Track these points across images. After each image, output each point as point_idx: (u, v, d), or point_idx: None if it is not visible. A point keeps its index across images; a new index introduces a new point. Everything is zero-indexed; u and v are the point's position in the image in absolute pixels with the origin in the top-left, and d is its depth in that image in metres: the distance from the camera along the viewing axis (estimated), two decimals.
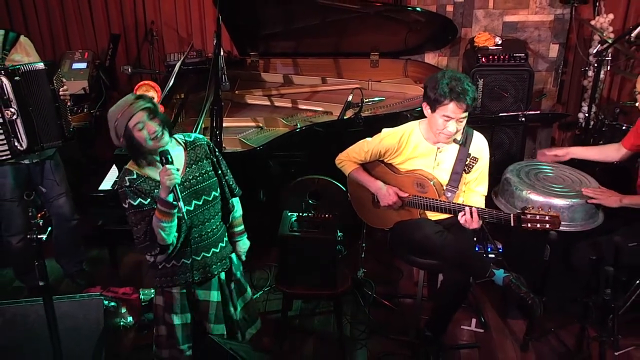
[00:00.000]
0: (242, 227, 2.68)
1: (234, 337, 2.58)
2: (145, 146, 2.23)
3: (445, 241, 2.78)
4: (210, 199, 2.40)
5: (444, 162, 2.89)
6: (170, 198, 2.19)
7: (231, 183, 2.57)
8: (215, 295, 2.48)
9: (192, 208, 2.34)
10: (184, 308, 2.46)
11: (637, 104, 3.00)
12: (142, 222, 2.28)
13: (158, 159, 2.26)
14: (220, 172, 2.49)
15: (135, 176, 2.28)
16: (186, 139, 2.43)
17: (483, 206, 2.88)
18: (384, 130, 2.99)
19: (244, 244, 2.69)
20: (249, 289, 2.70)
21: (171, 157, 2.22)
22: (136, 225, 2.30)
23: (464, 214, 2.69)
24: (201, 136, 2.49)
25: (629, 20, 4.33)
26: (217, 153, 2.50)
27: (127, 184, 2.27)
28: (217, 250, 2.48)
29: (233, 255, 2.62)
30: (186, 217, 2.26)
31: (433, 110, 2.75)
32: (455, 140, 2.84)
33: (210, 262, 2.45)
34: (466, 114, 2.73)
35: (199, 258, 2.42)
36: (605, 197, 2.98)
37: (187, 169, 2.36)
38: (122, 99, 2.28)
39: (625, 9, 4.33)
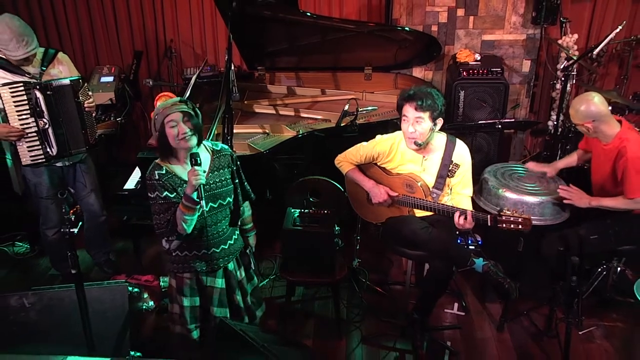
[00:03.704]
0: (252, 224, 2.69)
1: (240, 320, 2.58)
2: (172, 143, 2.25)
3: (431, 235, 2.78)
4: (224, 203, 2.41)
5: (429, 167, 2.88)
6: (195, 195, 2.20)
7: (247, 189, 2.59)
8: (219, 282, 2.48)
9: (207, 209, 2.34)
10: (192, 292, 2.46)
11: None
12: (166, 212, 2.28)
13: (187, 160, 2.29)
14: (237, 180, 2.50)
15: (164, 171, 2.29)
16: (214, 147, 2.44)
17: (471, 206, 2.87)
18: (378, 136, 2.99)
19: (253, 239, 2.71)
20: (255, 278, 2.71)
21: (200, 160, 2.24)
22: (159, 214, 2.30)
23: (462, 217, 2.66)
24: (226, 147, 2.50)
25: (591, 40, 4.35)
26: (237, 163, 2.51)
27: (157, 177, 2.27)
28: (226, 247, 2.48)
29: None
30: (207, 214, 2.28)
31: (400, 115, 2.80)
32: (415, 143, 2.80)
33: (217, 257, 2.45)
34: (420, 115, 2.70)
35: (209, 252, 2.42)
36: (577, 198, 2.96)
37: (210, 174, 2.36)
38: (172, 99, 2.33)
39: (587, 30, 4.36)
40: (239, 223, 2.58)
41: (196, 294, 2.48)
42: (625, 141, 2.81)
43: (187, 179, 2.27)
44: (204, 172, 2.25)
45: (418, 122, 2.73)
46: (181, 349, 2.53)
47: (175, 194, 2.29)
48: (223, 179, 2.40)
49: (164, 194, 2.27)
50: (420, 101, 2.69)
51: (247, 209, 2.65)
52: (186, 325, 2.47)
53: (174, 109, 2.24)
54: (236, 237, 2.55)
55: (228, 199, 2.43)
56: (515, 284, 2.73)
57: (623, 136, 2.83)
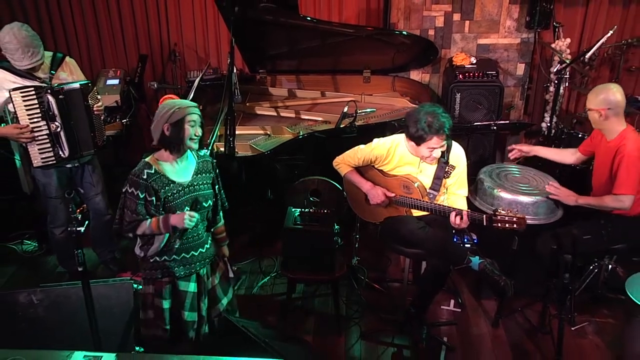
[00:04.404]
0: (225, 234, 2.67)
1: (199, 329, 2.54)
2: (184, 140, 2.27)
3: (428, 234, 2.79)
4: (205, 206, 2.42)
5: (426, 169, 2.89)
6: (176, 231, 2.30)
7: (223, 197, 2.60)
8: (192, 287, 2.46)
9: (188, 209, 2.34)
10: (169, 295, 2.45)
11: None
12: (132, 212, 2.27)
13: (179, 160, 2.34)
14: (217, 186, 2.52)
15: (153, 171, 2.27)
16: (198, 152, 2.47)
17: (466, 206, 2.87)
18: (375, 140, 2.99)
19: (226, 249, 2.69)
20: (231, 288, 2.69)
21: (202, 208, 2.34)
22: (125, 209, 2.29)
23: (458, 217, 2.67)
24: (208, 154, 2.56)
25: (584, 44, 4.35)
26: (217, 171, 2.52)
27: (145, 177, 2.25)
28: (203, 251, 2.47)
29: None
30: (173, 241, 2.37)
31: (418, 144, 2.76)
32: (440, 160, 2.83)
33: (195, 260, 2.44)
34: (445, 140, 2.74)
35: (188, 256, 2.41)
36: (564, 196, 2.99)
37: (194, 176, 2.38)
38: (187, 100, 2.38)
39: (580, 34, 4.36)
40: (213, 231, 2.58)
41: (170, 296, 2.46)
42: (625, 139, 2.87)
43: (173, 179, 2.30)
44: (198, 221, 2.33)
45: (443, 145, 2.76)
46: (155, 347, 2.50)
47: (153, 197, 2.27)
48: (205, 182, 2.42)
49: (143, 195, 2.25)
50: (447, 130, 2.69)
51: (221, 218, 2.64)
52: (163, 326, 2.45)
53: (196, 110, 2.29)
54: (210, 242, 2.54)
55: (209, 201, 2.44)
56: (511, 281, 2.73)
57: (625, 135, 2.89)
